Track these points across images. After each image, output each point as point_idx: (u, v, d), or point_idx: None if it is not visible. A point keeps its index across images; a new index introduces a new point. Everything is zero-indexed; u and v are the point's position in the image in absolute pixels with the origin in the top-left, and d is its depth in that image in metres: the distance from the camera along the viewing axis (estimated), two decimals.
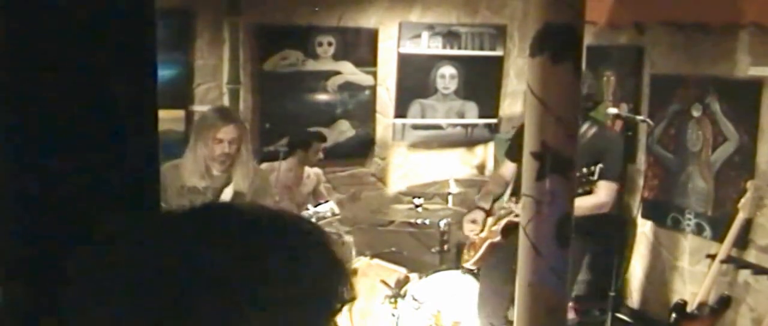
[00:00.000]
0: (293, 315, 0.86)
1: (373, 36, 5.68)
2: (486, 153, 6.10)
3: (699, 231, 4.70)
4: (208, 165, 3.88)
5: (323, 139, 5.10)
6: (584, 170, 3.65)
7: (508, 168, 4.36)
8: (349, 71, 5.66)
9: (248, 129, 4.19)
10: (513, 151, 4.20)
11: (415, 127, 5.90)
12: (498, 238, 4.07)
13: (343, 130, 5.71)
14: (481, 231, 4.15)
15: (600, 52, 5.52)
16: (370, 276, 4.35)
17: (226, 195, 3.96)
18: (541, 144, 2.22)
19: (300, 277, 0.87)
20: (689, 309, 4.26)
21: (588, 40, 5.32)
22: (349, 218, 5.72)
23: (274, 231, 0.90)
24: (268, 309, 0.84)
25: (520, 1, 5.93)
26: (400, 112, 5.84)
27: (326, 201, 4.66)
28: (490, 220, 4.15)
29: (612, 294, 4.35)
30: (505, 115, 6.09)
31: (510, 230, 3.91)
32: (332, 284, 0.90)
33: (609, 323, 4.32)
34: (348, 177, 5.81)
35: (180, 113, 5.27)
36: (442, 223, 4.73)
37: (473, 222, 4.16)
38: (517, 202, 3.78)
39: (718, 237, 4.40)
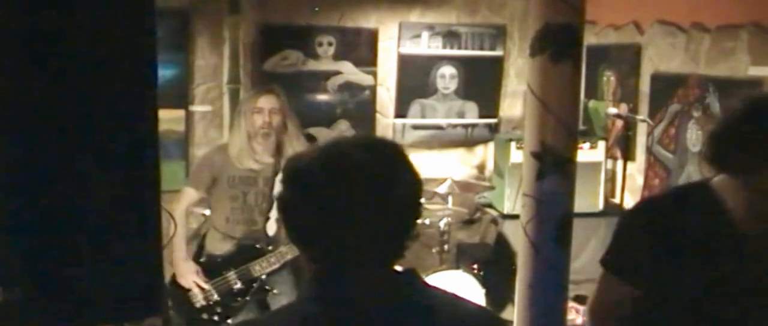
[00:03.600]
0: (413, 199, 1.44)
1: (373, 36, 5.68)
2: (486, 153, 6.09)
3: None
4: (253, 145, 3.70)
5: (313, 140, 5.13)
6: None
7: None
8: (349, 71, 5.67)
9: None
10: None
11: (415, 127, 5.90)
12: None
13: (343, 130, 5.72)
14: None
15: (600, 52, 5.52)
16: None
17: (279, 183, 3.86)
18: (541, 144, 2.23)
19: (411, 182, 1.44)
20: None
21: (588, 40, 5.33)
22: None
23: (394, 147, 1.47)
24: (399, 201, 1.40)
25: (520, 1, 5.93)
26: (400, 112, 5.84)
27: None
28: None
29: None
30: (505, 115, 6.09)
31: None
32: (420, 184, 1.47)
33: None
34: None
35: (180, 113, 5.28)
36: (442, 223, 4.73)
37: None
38: None
39: None
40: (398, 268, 1.45)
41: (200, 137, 5.42)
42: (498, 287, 4.63)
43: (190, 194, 3.83)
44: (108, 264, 1.65)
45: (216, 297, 3.72)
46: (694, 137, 4.74)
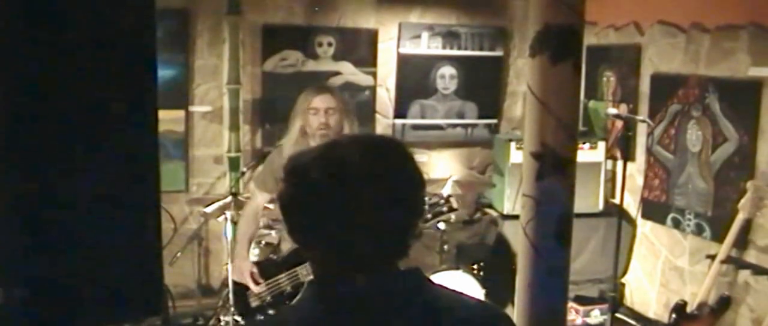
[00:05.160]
0: (414, 197, 1.44)
1: (372, 36, 5.68)
2: (486, 153, 6.09)
3: (699, 231, 4.71)
4: (310, 145, 3.58)
5: None
6: None
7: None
8: (349, 71, 5.66)
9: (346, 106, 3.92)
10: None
11: (415, 127, 5.90)
12: None
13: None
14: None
15: (600, 52, 5.52)
16: None
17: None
18: (541, 144, 2.23)
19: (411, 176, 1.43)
20: (689, 309, 4.26)
21: (588, 40, 5.32)
22: None
23: (395, 146, 1.47)
24: (401, 193, 1.40)
25: (520, 2, 5.93)
26: (400, 112, 5.84)
27: None
28: None
29: (612, 294, 4.35)
30: (505, 115, 6.09)
31: None
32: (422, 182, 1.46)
33: (609, 323, 4.32)
34: None
35: (180, 113, 5.27)
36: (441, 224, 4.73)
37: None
38: None
39: (718, 237, 4.40)
40: (402, 268, 1.44)
41: (200, 137, 5.42)
42: (498, 287, 4.62)
43: (257, 196, 3.92)
44: (108, 265, 1.65)
45: (269, 298, 3.74)
46: (694, 137, 4.74)
